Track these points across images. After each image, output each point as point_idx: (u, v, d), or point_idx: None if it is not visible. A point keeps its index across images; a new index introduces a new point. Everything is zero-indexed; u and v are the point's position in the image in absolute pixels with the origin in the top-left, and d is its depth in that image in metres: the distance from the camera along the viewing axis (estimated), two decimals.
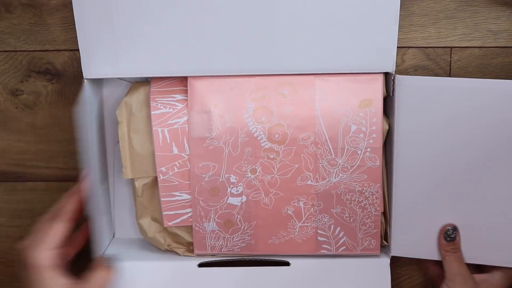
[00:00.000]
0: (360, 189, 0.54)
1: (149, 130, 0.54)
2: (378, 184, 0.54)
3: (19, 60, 0.58)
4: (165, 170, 0.54)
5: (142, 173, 0.55)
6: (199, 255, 0.56)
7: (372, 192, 0.54)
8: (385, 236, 0.56)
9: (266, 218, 0.55)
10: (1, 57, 0.58)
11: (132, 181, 0.56)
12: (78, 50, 0.57)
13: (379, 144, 0.53)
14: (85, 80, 0.52)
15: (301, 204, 0.54)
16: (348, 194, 0.54)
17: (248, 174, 0.54)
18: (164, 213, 0.55)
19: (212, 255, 0.56)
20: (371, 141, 0.53)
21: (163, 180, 0.54)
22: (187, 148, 0.53)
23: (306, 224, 0.55)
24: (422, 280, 0.60)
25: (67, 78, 0.58)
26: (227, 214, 0.54)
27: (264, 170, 0.53)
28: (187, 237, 0.57)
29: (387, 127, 0.54)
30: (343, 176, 0.54)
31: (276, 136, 0.53)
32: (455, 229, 0.53)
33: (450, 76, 0.57)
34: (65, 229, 0.49)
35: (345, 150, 0.53)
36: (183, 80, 0.54)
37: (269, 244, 0.55)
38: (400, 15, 0.51)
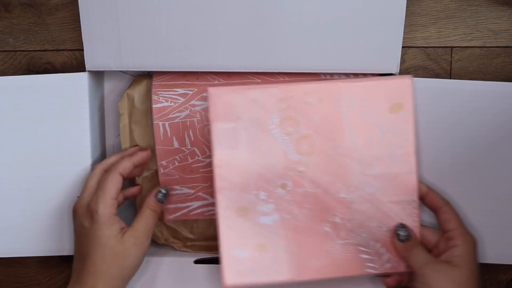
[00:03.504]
0: (396, 199, 0.50)
1: (150, 123, 0.54)
2: (413, 193, 0.50)
3: (18, 60, 0.58)
4: (165, 164, 0.54)
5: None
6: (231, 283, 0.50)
7: (408, 201, 0.50)
8: None
9: (304, 238, 0.50)
10: (0, 56, 0.58)
11: None
12: (77, 50, 0.57)
13: (412, 149, 0.50)
14: (87, 71, 0.52)
15: (337, 219, 0.50)
16: (385, 206, 0.50)
17: (278, 189, 0.49)
18: (164, 206, 0.55)
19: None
20: (403, 147, 0.50)
21: (163, 174, 0.54)
22: (188, 142, 0.53)
23: (345, 241, 0.50)
24: None
25: None
26: (258, 236, 0.49)
27: (295, 184, 0.49)
28: (185, 233, 0.57)
29: None
30: (377, 185, 0.50)
31: (304, 147, 0.49)
32: (403, 226, 0.50)
33: (450, 76, 0.57)
34: (120, 180, 0.50)
35: (377, 158, 0.50)
36: (185, 74, 0.54)
37: (309, 269, 0.50)
38: None
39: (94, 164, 0.54)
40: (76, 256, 0.50)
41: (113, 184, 0.49)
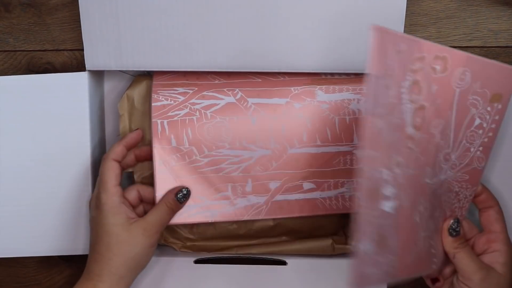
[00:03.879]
0: (457, 190, 0.48)
1: (150, 124, 0.53)
2: (474, 188, 0.49)
3: (18, 60, 0.58)
4: (162, 164, 0.52)
5: (142, 167, 0.55)
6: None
7: (466, 195, 0.49)
8: None
9: (406, 230, 0.44)
10: (0, 56, 0.58)
11: (132, 174, 0.56)
12: (77, 50, 0.57)
13: (491, 144, 0.48)
14: (87, 71, 0.52)
15: (421, 207, 0.45)
16: (446, 195, 0.48)
17: (394, 168, 0.42)
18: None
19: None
20: (486, 139, 0.48)
21: (159, 174, 0.52)
22: (186, 141, 0.52)
23: (425, 234, 0.46)
24: (419, 282, 0.60)
25: None
26: (381, 226, 0.41)
27: (406, 164, 0.43)
28: (185, 233, 0.57)
29: None
30: (450, 174, 0.47)
31: (418, 120, 0.43)
32: (458, 221, 0.48)
33: None
34: (116, 166, 0.50)
35: (461, 145, 0.47)
36: (186, 74, 0.54)
37: (406, 266, 0.44)
38: None
39: (94, 164, 0.54)
40: (89, 248, 0.50)
41: (110, 171, 0.49)
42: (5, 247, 0.55)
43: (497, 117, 0.48)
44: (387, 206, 0.42)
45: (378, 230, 0.41)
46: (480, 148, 0.48)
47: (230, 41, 0.51)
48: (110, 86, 0.58)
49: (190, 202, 0.53)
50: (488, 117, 0.47)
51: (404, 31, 0.51)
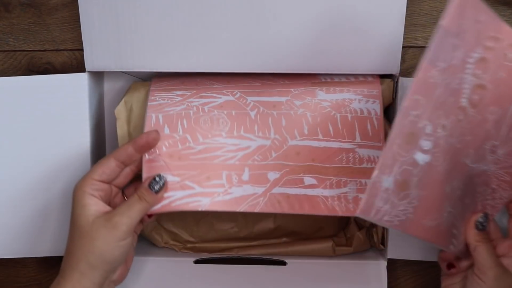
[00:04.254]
0: (495, 187, 0.48)
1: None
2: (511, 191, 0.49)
3: (18, 60, 0.58)
4: (152, 150, 0.50)
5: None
6: (362, 215, 0.41)
7: (502, 196, 0.49)
8: (382, 240, 0.56)
9: (433, 191, 0.44)
10: (0, 56, 0.58)
11: None
12: (77, 50, 0.57)
13: None
14: (86, 72, 0.53)
15: (454, 183, 0.45)
16: (482, 188, 0.48)
17: (439, 129, 0.42)
18: (159, 197, 0.50)
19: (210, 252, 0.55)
20: None
21: (148, 160, 0.50)
22: (180, 129, 0.51)
23: (452, 210, 0.45)
24: (419, 282, 0.60)
25: None
26: (407, 171, 0.42)
27: (451, 131, 0.43)
28: (185, 236, 0.57)
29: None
30: (492, 167, 0.47)
31: (476, 97, 0.44)
32: (487, 217, 0.48)
33: None
34: (110, 164, 0.48)
35: (511, 143, 0.47)
36: (184, 81, 0.53)
37: (421, 226, 0.44)
38: None
39: (93, 164, 0.54)
40: None
41: (99, 165, 0.47)
42: (5, 248, 0.55)
43: None
44: (421, 158, 0.42)
45: (404, 174, 0.41)
46: None
47: (229, 42, 0.51)
48: (110, 86, 0.58)
49: (178, 189, 0.49)
50: None
51: (404, 31, 0.50)
